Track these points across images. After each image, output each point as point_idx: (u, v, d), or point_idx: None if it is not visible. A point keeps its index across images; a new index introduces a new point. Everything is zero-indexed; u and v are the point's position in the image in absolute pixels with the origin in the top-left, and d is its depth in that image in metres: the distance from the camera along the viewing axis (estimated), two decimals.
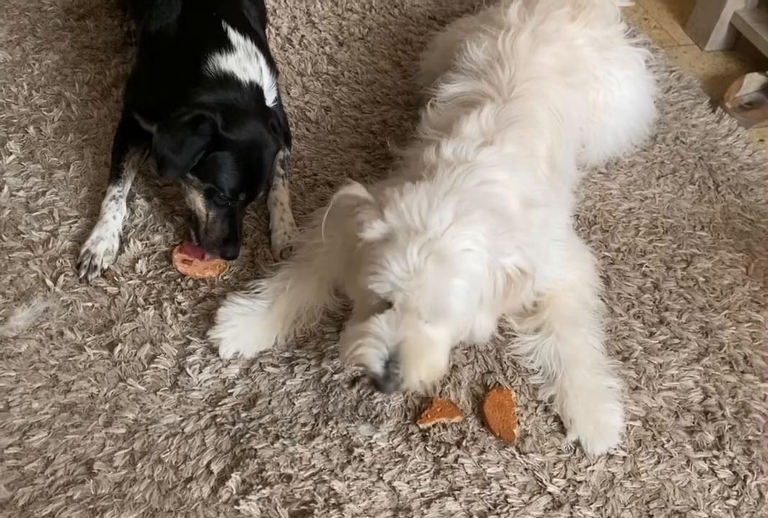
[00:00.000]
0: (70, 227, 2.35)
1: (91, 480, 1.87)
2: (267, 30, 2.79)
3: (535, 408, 2.09)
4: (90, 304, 2.20)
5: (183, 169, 2.16)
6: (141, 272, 2.27)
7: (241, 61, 2.34)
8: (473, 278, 1.78)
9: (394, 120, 2.77)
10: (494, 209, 1.88)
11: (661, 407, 2.12)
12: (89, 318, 2.17)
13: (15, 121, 2.64)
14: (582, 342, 2.15)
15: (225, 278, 2.29)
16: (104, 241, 2.26)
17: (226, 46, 2.34)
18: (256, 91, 2.35)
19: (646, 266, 2.45)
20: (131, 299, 2.21)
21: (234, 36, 2.38)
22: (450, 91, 2.27)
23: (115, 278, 2.25)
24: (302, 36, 3.08)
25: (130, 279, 2.26)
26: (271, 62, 2.52)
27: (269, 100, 2.45)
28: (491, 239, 1.79)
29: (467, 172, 1.93)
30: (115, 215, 2.29)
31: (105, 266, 2.24)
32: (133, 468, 1.90)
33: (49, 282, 2.22)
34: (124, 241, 2.33)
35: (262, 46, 2.52)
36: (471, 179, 1.90)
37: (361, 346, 1.79)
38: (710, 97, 3.09)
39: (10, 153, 2.54)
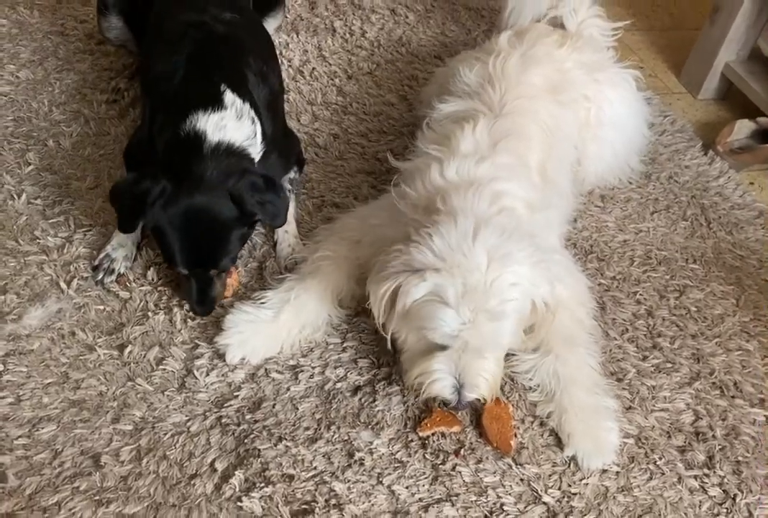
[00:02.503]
0: (85, 235, 2.42)
1: (98, 473, 1.90)
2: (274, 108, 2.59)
3: (532, 422, 2.15)
4: (102, 307, 2.25)
5: (131, 233, 2.26)
6: (152, 279, 2.34)
7: (224, 120, 2.19)
8: (519, 312, 1.95)
9: (400, 149, 2.88)
10: (514, 226, 1.99)
11: (654, 426, 2.17)
12: (101, 320, 2.22)
13: (35, 134, 2.73)
14: (580, 362, 2.21)
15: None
16: (124, 247, 2.33)
17: (216, 105, 2.21)
18: (228, 152, 2.17)
19: (640, 294, 2.54)
20: (142, 303, 2.27)
21: (230, 97, 2.24)
22: (445, 110, 2.39)
23: (128, 283, 2.31)
24: (313, 68, 3.21)
25: (142, 285, 2.32)
26: (265, 128, 2.36)
27: (256, 158, 2.32)
28: (530, 270, 1.92)
29: (477, 193, 2.02)
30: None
31: (122, 271, 2.30)
32: (138, 463, 1.93)
33: (63, 285, 2.28)
34: (139, 249, 2.39)
35: (259, 112, 2.34)
36: (483, 199, 2.00)
37: (435, 382, 1.95)
38: (702, 141, 3.21)
39: (29, 164, 2.62)
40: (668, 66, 3.72)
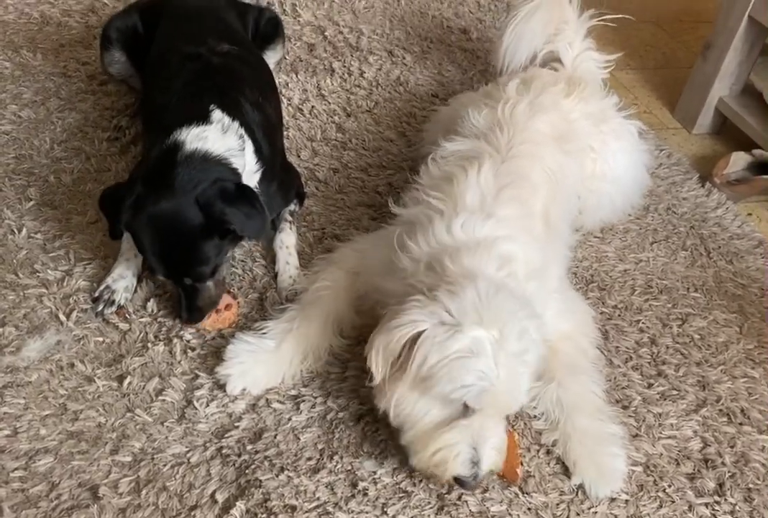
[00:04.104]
0: (85, 268, 2.41)
1: (96, 505, 1.86)
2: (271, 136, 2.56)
3: (538, 450, 2.11)
4: (101, 339, 2.23)
5: (119, 239, 2.29)
6: (152, 310, 2.32)
7: (206, 132, 2.18)
8: (538, 363, 1.95)
9: (399, 183, 2.89)
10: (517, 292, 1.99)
11: (662, 454, 2.14)
12: (100, 352, 2.20)
13: (36, 171, 2.74)
14: (583, 389, 2.19)
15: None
16: (124, 279, 2.32)
17: (202, 120, 2.21)
18: (204, 159, 2.14)
19: (643, 323, 2.53)
20: (142, 335, 2.25)
21: (218, 114, 2.25)
22: (450, 148, 2.39)
23: (127, 315, 2.30)
24: (312, 107, 3.25)
25: (142, 317, 2.31)
26: (259, 149, 2.37)
27: (252, 183, 2.32)
28: (536, 324, 1.93)
29: (486, 255, 2.00)
30: (136, 253, 2.32)
31: (122, 303, 2.29)
32: (137, 495, 1.89)
33: (62, 317, 2.26)
34: (139, 280, 2.38)
35: (252, 134, 2.34)
36: (492, 263, 1.99)
37: (458, 455, 1.86)
38: (699, 174, 3.24)
39: (30, 199, 2.63)
40: (662, 103, 3.77)
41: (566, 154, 2.46)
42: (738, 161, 3.20)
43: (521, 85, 2.61)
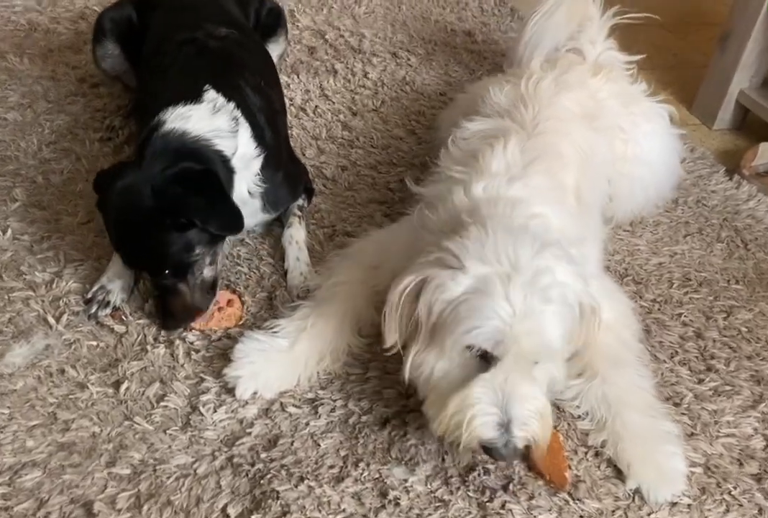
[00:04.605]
0: (76, 269, 2.21)
1: None
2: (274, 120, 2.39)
3: (585, 453, 1.89)
4: (95, 343, 2.02)
5: None
6: (151, 312, 2.11)
7: (191, 111, 2.02)
8: (570, 311, 1.70)
9: (412, 179, 2.70)
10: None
11: (722, 454, 1.93)
12: (93, 357, 1.99)
13: (23, 172, 2.55)
14: (630, 384, 1.98)
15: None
16: (120, 279, 2.12)
17: (192, 100, 2.05)
18: (178, 139, 1.97)
19: (685, 316, 2.33)
20: (140, 338, 2.04)
21: (211, 94, 2.08)
22: (472, 128, 2.21)
23: (123, 317, 2.09)
24: (316, 106, 3.08)
25: (139, 318, 2.10)
26: (259, 134, 2.17)
27: (252, 169, 2.15)
28: (573, 273, 1.70)
29: (511, 207, 1.83)
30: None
31: (117, 304, 2.08)
32: (138, 511, 1.66)
33: (51, 320, 2.05)
34: (137, 281, 2.18)
35: (252, 117, 2.17)
36: (518, 214, 1.80)
37: (476, 417, 1.62)
38: (726, 167, 3.06)
39: (16, 200, 2.44)
40: (678, 100, 3.59)
41: (595, 131, 2.28)
42: (766, 152, 3.03)
43: (545, 63, 2.44)
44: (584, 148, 2.21)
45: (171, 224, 1.90)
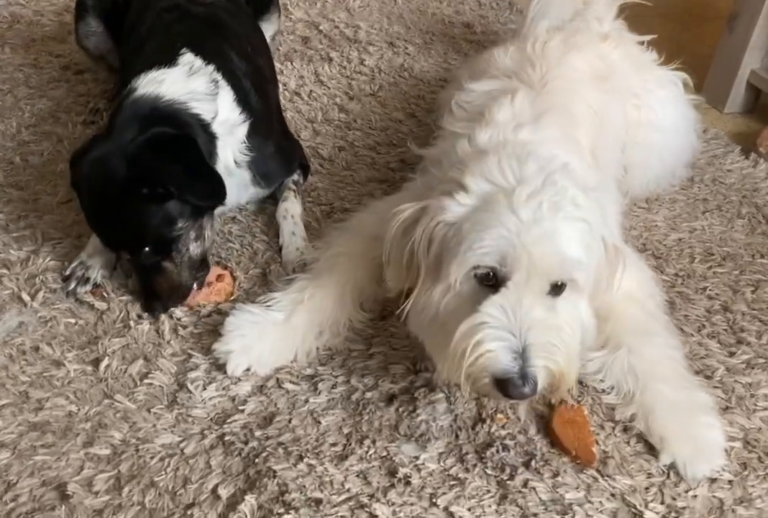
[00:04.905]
0: (54, 247, 2.06)
1: (63, 507, 1.46)
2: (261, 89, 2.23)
3: (613, 428, 1.72)
4: (73, 320, 1.86)
5: None
6: (134, 288, 1.94)
7: (164, 75, 1.89)
8: (587, 228, 1.51)
9: (413, 159, 2.55)
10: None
11: (761, 428, 1.76)
12: (71, 334, 1.82)
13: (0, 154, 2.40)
14: (659, 354, 1.81)
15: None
16: (101, 254, 1.96)
17: (166, 64, 1.92)
18: (150, 104, 1.83)
19: (710, 290, 2.17)
20: (122, 314, 1.88)
21: (188, 57, 1.95)
22: (477, 89, 2.06)
23: (105, 294, 1.92)
24: (311, 91, 2.94)
25: (122, 295, 1.93)
26: (243, 98, 2.04)
27: (237, 136, 2.00)
28: (588, 202, 1.54)
29: (521, 146, 1.68)
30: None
31: (98, 280, 1.92)
32: (118, 493, 1.49)
33: (25, 297, 1.89)
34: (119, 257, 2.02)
35: (236, 81, 2.03)
36: (528, 151, 1.65)
37: (483, 342, 1.42)
38: (741, 146, 2.92)
39: None
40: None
41: (607, 93, 2.13)
42: None
43: (552, 28, 2.30)
44: (596, 109, 2.06)
45: (148, 195, 1.74)
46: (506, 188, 1.49)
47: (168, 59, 1.90)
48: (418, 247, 1.55)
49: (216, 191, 1.82)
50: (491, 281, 1.47)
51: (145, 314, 1.88)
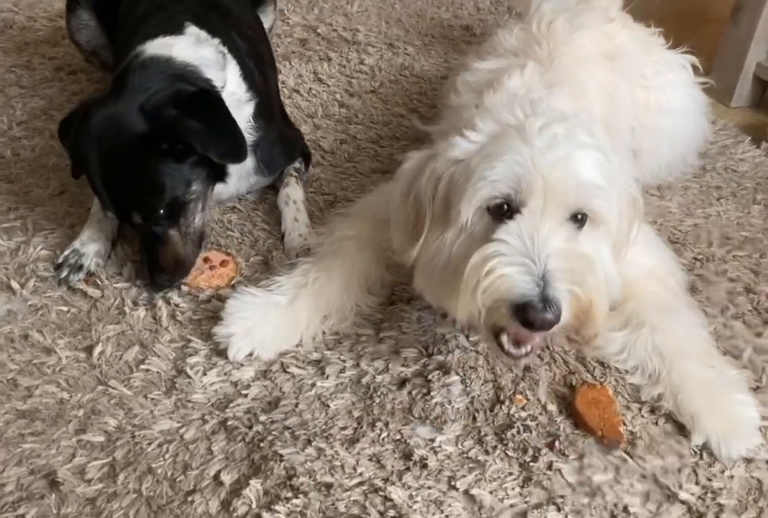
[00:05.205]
0: (46, 238, 1.97)
1: (53, 496, 1.35)
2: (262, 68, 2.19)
3: (639, 409, 1.62)
4: (65, 308, 1.76)
5: (78, 178, 1.86)
6: (130, 276, 1.85)
7: (172, 40, 1.83)
8: (606, 164, 1.43)
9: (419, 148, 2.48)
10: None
11: None
12: (63, 322, 1.73)
13: None
14: (684, 331, 1.72)
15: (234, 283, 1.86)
16: (95, 242, 1.88)
17: (173, 32, 1.86)
18: (165, 64, 1.76)
19: (731, 273, 2.08)
20: (117, 302, 1.78)
21: (193, 29, 1.89)
22: (483, 67, 2.00)
23: (98, 282, 1.83)
24: (310, 88, 2.88)
25: (117, 283, 1.83)
26: (249, 76, 1.98)
27: (243, 113, 1.92)
28: (604, 137, 1.47)
29: (531, 106, 1.60)
30: (108, 213, 1.84)
31: (92, 269, 1.83)
32: (112, 481, 1.38)
33: (15, 285, 1.80)
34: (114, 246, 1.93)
35: (240, 58, 1.98)
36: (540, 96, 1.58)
37: (494, 270, 1.31)
38: (750, 137, 2.84)
39: None
40: None
41: (616, 72, 2.06)
42: None
43: (557, 9, 2.23)
44: (606, 87, 1.99)
45: (167, 151, 1.66)
46: (518, 125, 1.42)
47: (173, 29, 1.84)
48: (424, 194, 1.46)
49: (238, 148, 1.75)
50: (506, 214, 1.38)
51: (141, 299, 1.78)
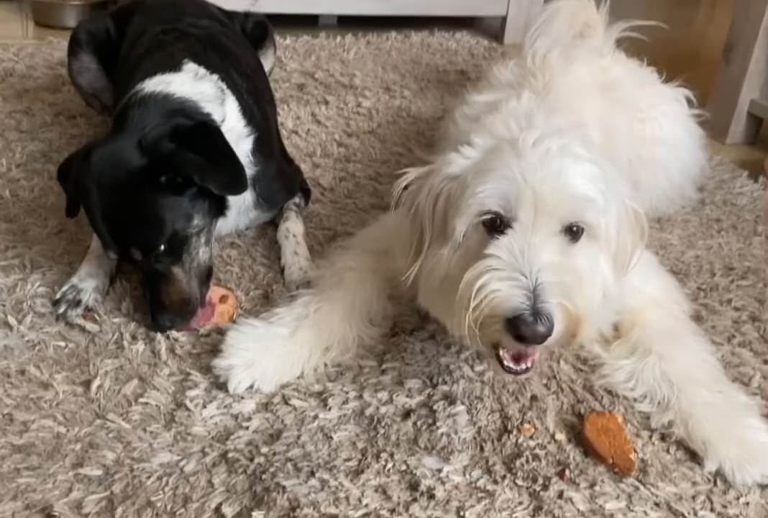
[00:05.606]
0: (44, 275, 1.95)
1: None
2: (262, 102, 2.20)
3: (650, 436, 1.59)
4: (63, 343, 1.73)
5: (74, 216, 1.88)
6: (128, 311, 1.83)
7: (170, 78, 1.84)
8: (601, 177, 1.45)
9: None
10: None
11: None
12: (61, 357, 1.70)
13: None
14: (692, 357, 1.71)
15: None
16: (94, 278, 1.86)
17: (171, 69, 1.88)
18: (164, 100, 1.77)
19: (735, 302, 2.07)
20: (116, 336, 1.76)
21: (191, 66, 1.91)
22: (480, 100, 2.02)
23: (96, 317, 1.80)
24: (308, 129, 2.90)
25: (115, 318, 1.81)
26: (248, 111, 1.98)
27: (242, 148, 1.92)
28: (599, 152, 1.49)
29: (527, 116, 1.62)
30: (110, 253, 1.81)
31: (90, 304, 1.80)
32: (110, 515, 1.34)
33: (12, 321, 1.77)
34: (112, 282, 1.91)
35: (239, 94, 1.98)
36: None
37: (486, 285, 1.32)
38: (747, 172, 2.86)
39: None
40: None
41: (613, 102, 2.09)
42: None
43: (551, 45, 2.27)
44: (602, 117, 2.01)
45: (166, 184, 1.65)
46: (512, 139, 1.43)
47: (172, 67, 1.86)
48: (424, 210, 1.47)
49: (238, 180, 1.73)
50: (500, 228, 1.39)
51: (139, 333, 1.75)
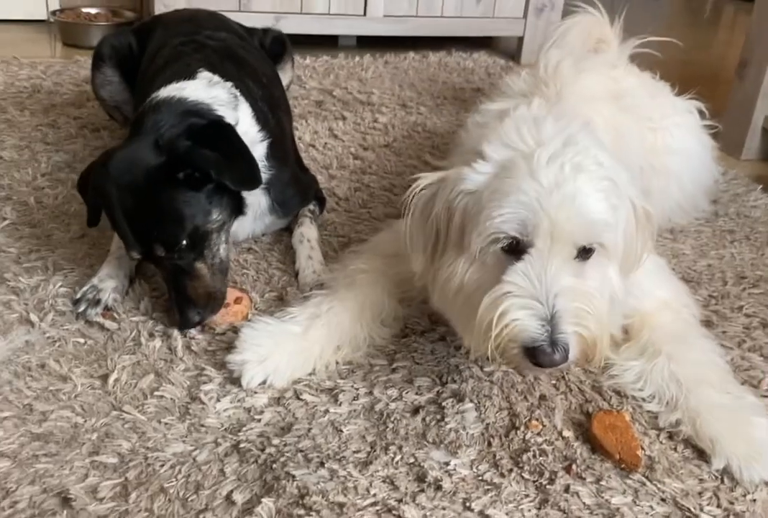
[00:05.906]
0: (66, 276, 2.00)
1: (65, 512, 1.33)
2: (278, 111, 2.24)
3: (657, 435, 1.60)
4: (82, 340, 1.78)
5: (95, 225, 1.94)
6: (146, 310, 1.88)
7: (184, 84, 1.91)
8: (613, 187, 1.47)
9: None
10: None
11: None
12: (80, 353, 1.74)
13: (14, 197, 2.38)
14: (701, 358, 1.72)
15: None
16: (113, 279, 1.91)
17: (186, 78, 1.94)
18: (178, 104, 1.83)
19: (747, 308, 2.08)
20: (134, 333, 1.80)
21: (205, 74, 1.97)
22: (492, 108, 2.06)
23: (115, 316, 1.85)
24: (325, 143, 2.95)
25: (134, 316, 1.86)
26: (262, 118, 2.03)
27: (256, 152, 1.93)
28: (611, 161, 1.51)
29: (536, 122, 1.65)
30: (133, 253, 1.84)
31: (109, 303, 1.85)
32: (124, 500, 1.37)
33: (34, 318, 1.82)
34: (131, 283, 1.96)
35: (253, 101, 2.03)
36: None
37: (506, 313, 1.38)
38: (762, 185, 2.88)
39: (5, 218, 2.25)
40: None
41: (624, 111, 2.12)
42: None
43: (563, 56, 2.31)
44: (614, 124, 2.04)
45: (184, 180, 1.71)
46: (526, 152, 1.46)
47: (187, 75, 1.92)
48: (439, 220, 1.50)
49: (252, 175, 1.78)
50: (517, 249, 1.41)
51: (156, 330, 1.80)
